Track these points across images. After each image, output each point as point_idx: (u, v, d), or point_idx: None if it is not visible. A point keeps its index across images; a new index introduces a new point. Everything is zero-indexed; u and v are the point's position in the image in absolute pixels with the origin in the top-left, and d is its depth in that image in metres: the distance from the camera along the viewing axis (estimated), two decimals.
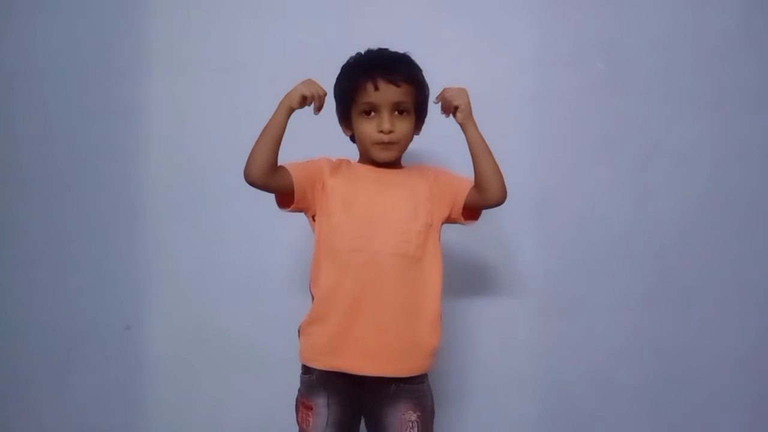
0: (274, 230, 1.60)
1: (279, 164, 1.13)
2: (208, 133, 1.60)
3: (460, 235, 1.53)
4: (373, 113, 1.15)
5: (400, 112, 1.16)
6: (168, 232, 1.62)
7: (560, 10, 1.53)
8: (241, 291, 1.60)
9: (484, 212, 1.52)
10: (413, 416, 1.14)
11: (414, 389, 1.16)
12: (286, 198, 1.17)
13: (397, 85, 1.13)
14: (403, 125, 1.16)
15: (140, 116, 1.62)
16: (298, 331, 1.22)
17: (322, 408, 1.16)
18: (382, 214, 1.15)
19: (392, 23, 1.51)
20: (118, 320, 1.65)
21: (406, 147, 1.21)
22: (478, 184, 1.15)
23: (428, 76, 1.21)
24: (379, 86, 1.13)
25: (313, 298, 1.19)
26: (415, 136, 1.24)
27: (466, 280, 1.53)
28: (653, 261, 1.53)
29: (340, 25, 1.55)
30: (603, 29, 1.53)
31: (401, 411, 1.14)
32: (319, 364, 1.16)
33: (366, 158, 1.22)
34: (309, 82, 1.11)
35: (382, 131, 1.14)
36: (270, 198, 1.58)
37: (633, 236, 1.53)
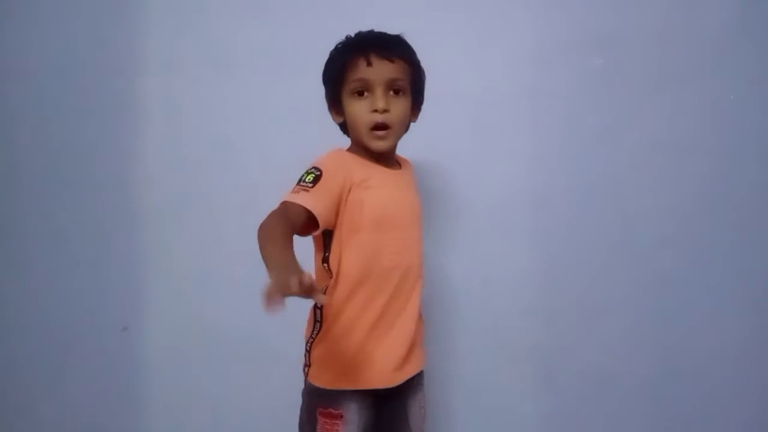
0: None
1: (298, 210, 0.99)
2: (205, 131, 1.59)
3: (456, 232, 1.53)
4: (366, 93, 1.05)
5: (396, 92, 1.06)
6: (165, 230, 1.61)
7: (557, 5, 1.52)
8: (238, 290, 1.59)
9: (482, 206, 1.54)
10: (424, 402, 1.18)
11: (421, 377, 1.18)
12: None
13: (392, 61, 1.04)
14: (398, 106, 1.06)
15: (136, 114, 1.61)
16: (308, 350, 1.13)
17: (354, 414, 1.06)
18: (410, 225, 1.11)
19: (388, 19, 1.48)
20: (115, 320, 1.64)
21: (401, 134, 1.11)
22: None
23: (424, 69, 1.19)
24: (372, 62, 1.04)
25: (321, 314, 1.10)
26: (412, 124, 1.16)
27: (461, 277, 1.52)
28: (651, 257, 1.52)
29: (337, 22, 1.53)
30: (600, 24, 1.52)
31: (419, 400, 1.17)
32: (347, 384, 1.07)
33: (359, 148, 1.11)
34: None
35: (376, 110, 1.04)
36: (267, 197, 1.58)
37: (630, 232, 1.53)
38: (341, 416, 1.06)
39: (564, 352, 1.54)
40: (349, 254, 1.05)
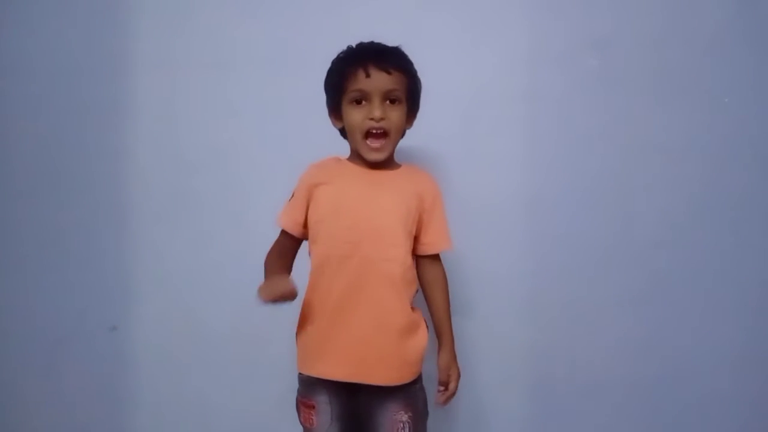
0: (263, 230, 1.57)
1: (282, 231, 1.20)
2: (197, 131, 1.58)
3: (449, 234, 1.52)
4: (363, 102, 1.13)
5: (392, 102, 1.13)
6: (156, 231, 1.60)
7: (552, 8, 1.52)
8: (229, 291, 1.58)
9: (476, 209, 1.53)
10: (404, 417, 1.14)
11: (406, 390, 1.15)
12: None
13: (389, 73, 1.12)
14: (394, 114, 1.13)
15: (128, 114, 1.59)
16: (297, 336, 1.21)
17: (325, 405, 1.15)
18: (372, 218, 1.13)
19: (381, 21, 1.49)
20: (105, 320, 1.63)
21: (397, 141, 1.18)
22: (423, 289, 1.24)
23: (419, 74, 1.20)
24: (371, 73, 1.11)
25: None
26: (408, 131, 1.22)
27: (456, 279, 1.51)
28: (645, 259, 1.52)
29: (329, 22, 1.54)
30: (595, 27, 1.52)
31: (392, 411, 1.14)
32: (307, 370, 1.17)
33: (357, 155, 1.19)
34: (266, 289, 1.05)
35: (372, 119, 1.12)
36: (259, 198, 1.58)
37: (625, 235, 1.52)
38: (314, 407, 1.16)
39: (557, 355, 1.54)
40: (313, 245, 1.17)
